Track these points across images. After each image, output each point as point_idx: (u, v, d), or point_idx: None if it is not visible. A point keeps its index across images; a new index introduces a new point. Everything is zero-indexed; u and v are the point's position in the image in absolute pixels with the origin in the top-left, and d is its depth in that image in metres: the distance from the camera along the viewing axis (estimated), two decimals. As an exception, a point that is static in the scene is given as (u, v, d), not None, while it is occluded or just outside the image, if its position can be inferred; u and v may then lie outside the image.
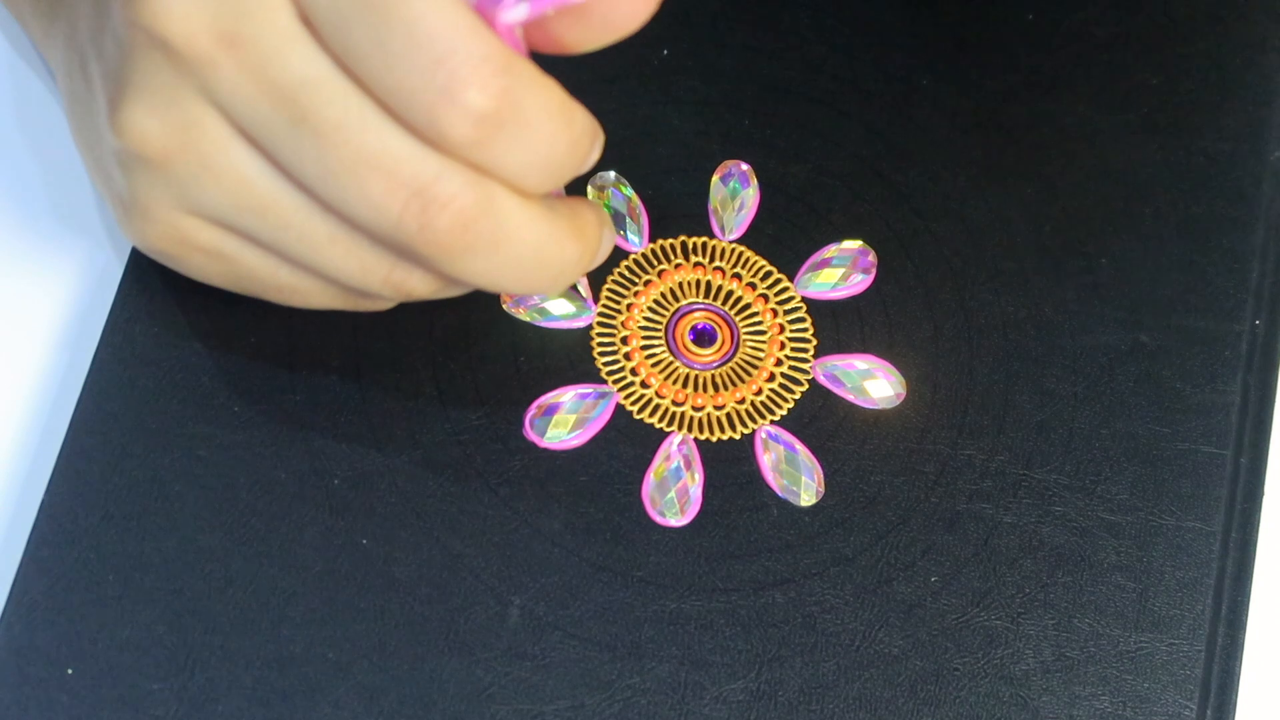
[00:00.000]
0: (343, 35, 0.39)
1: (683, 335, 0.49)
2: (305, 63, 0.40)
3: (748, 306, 0.49)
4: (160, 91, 0.40)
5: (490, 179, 0.41)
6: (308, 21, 0.40)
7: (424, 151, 0.40)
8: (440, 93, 0.39)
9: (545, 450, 0.47)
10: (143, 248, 0.44)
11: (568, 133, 0.41)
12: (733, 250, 0.50)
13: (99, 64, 0.42)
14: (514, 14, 0.40)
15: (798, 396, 0.48)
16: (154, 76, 0.40)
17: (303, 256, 0.43)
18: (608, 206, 0.50)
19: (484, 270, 0.42)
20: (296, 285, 0.44)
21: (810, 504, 0.47)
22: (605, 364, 0.48)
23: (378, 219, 0.41)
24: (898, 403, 0.48)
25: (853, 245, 0.50)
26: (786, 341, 0.49)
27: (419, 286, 0.43)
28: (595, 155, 0.42)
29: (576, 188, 0.50)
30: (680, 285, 0.50)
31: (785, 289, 0.50)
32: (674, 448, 0.47)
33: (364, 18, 0.39)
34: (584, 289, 0.49)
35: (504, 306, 0.49)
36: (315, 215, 0.42)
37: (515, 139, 0.40)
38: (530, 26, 0.41)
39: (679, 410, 0.48)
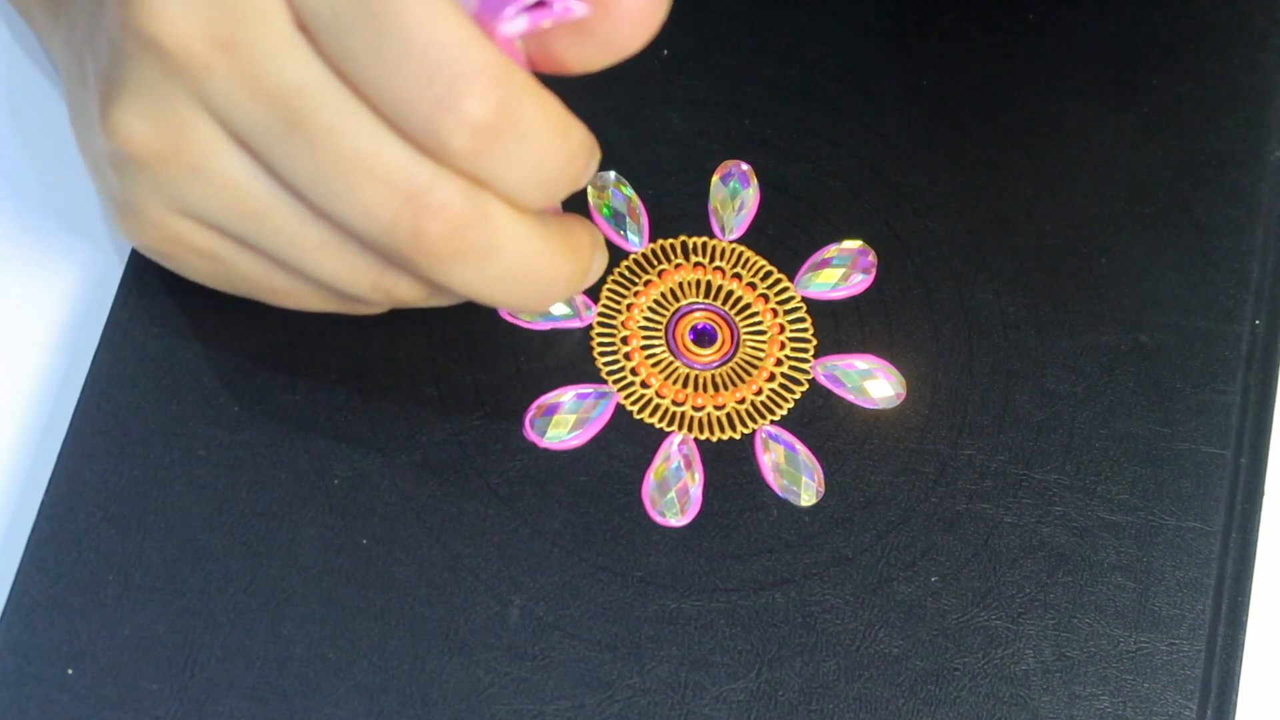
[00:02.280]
0: (339, 42, 0.39)
1: (683, 335, 0.49)
2: (300, 68, 0.39)
3: (748, 306, 0.49)
4: (152, 94, 0.40)
5: (484, 190, 0.41)
6: (303, 27, 0.39)
7: (418, 159, 0.40)
8: (437, 102, 0.39)
9: (545, 450, 0.47)
10: (139, 248, 0.44)
11: (565, 148, 0.41)
12: (733, 250, 0.50)
13: (94, 64, 0.42)
14: (513, 26, 0.40)
15: (798, 396, 0.48)
16: (146, 79, 0.40)
17: (293, 261, 0.43)
18: (607, 207, 0.50)
19: (473, 280, 0.42)
20: (290, 289, 0.44)
21: (810, 504, 0.47)
22: (605, 364, 0.48)
23: (370, 225, 0.41)
24: (898, 403, 0.48)
25: (853, 245, 0.50)
26: (786, 341, 0.49)
27: (408, 293, 0.43)
28: (591, 171, 0.42)
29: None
30: (680, 285, 0.50)
31: (785, 289, 0.50)
32: (674, 448, 0.47)
33: (361, 25, 0.39)
34: (579, 299, 0.49)
35: (501, 314, 0.48)
36: (307, 220, 0.42)
37: (512, 152, 0.40)
38: (532, 45, 0.41)
39: (679, 410, 0.48)
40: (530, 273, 0.42)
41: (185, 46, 0.39)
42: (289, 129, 0.40)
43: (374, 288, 0.43)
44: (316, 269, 0.43)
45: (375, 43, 0.39)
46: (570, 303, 0.49)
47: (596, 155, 0.42)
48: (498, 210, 0.41)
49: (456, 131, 0.39)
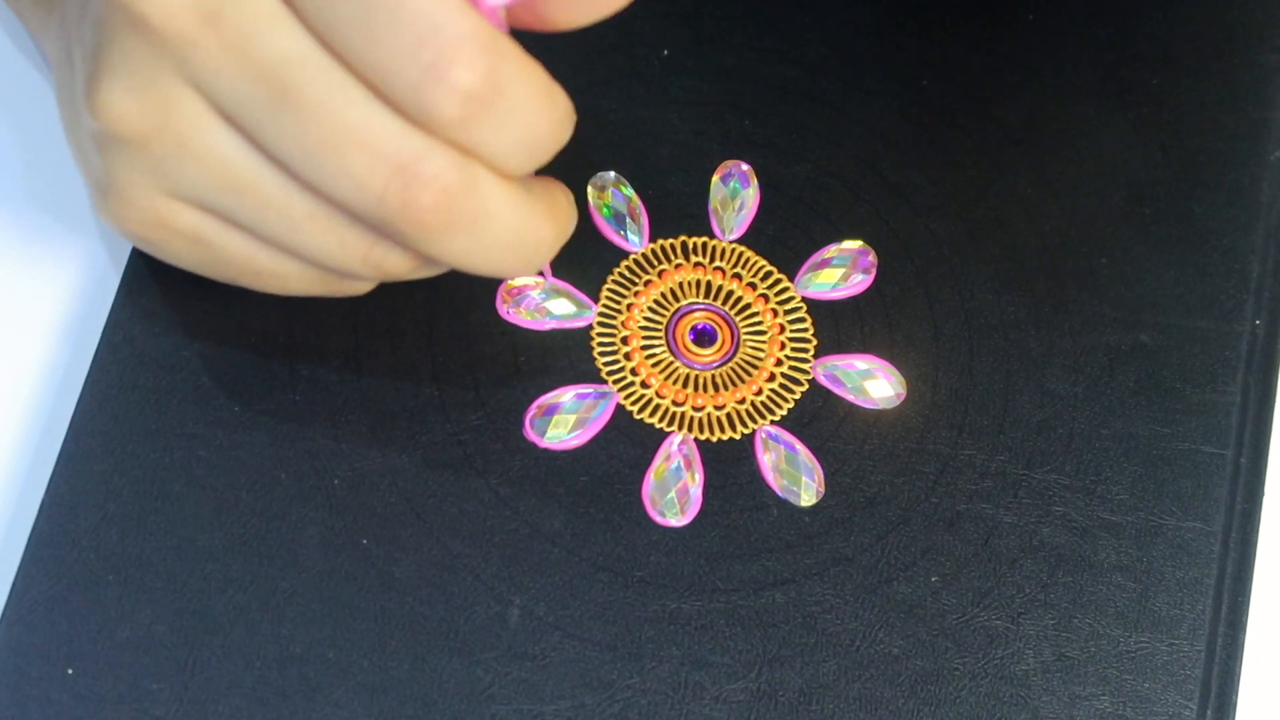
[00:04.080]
0: (326, 13, 0.39)
1: (683, 335, 0.49)
2: (287, 41, 0.39)
3: (748, 306, 0.49)
4: (138, 71, 0.40)
5: (472, 159, 0.40)
6: (289, 0, 0.40)
7: (407, 129, 0.40)
8: (426, 70, 0.39)
9: (545, 450, 0.47)
10: (121, 232, 0.44)
11: (550, 114, 0.41)
12: (733, 250, 0.50)
13: (81, 48, 0.42)
14: None
15: (798, 396, 0.48)
16: (132, 56, 0.40)
17: (281, 236, 0.43)
18: (608, 207, 0.50)
19: (463, 250, 0.42)
20: (275, 269, 0.44)
21: (810, 504, 0.47)
22: (605, 364, 0.48)
23: (360, 196, 0.40)
24: (898, 403, 0.48)
25: (853, 245, 0.50)
26: (786, 341, 0.49)
27: (397, 265, 0.43)
28: (569, 135, 0.42)
29: (578, 188, 0.50)
30: (680, 285, 0.50)
31: (785, 289, 0.50)
32: (674, 448, 0.47)
33: None
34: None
35: (501, 314, 0.48)
36: (295, 194, 0.42)
37: (500, 119, 0.40)
38: (518, 5, 0.41)
39: (679, 410, 0.48)
40: (518, 239, 0.42)
41: (171, 22, 0.39)
42: (277, 102, 0.40)
43: (364, 261, 0.43)
44: (306, 244, 0.43)
45: (362, 13, 0.39)
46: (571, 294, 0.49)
47: (573, 119, 0.42)
48: (486, 179, 0.41)
49: (446, 99, 0.39)
